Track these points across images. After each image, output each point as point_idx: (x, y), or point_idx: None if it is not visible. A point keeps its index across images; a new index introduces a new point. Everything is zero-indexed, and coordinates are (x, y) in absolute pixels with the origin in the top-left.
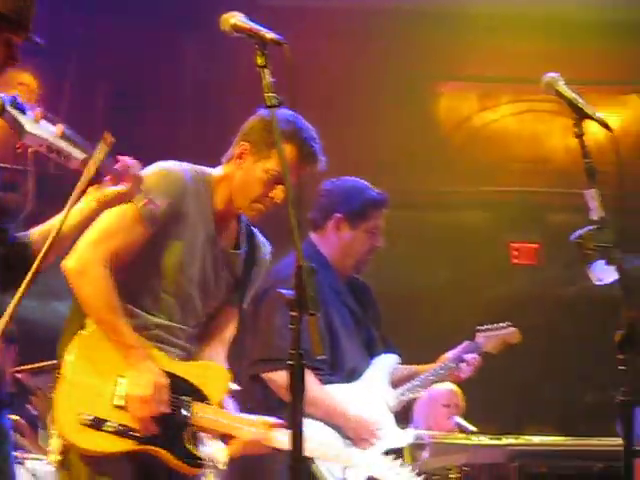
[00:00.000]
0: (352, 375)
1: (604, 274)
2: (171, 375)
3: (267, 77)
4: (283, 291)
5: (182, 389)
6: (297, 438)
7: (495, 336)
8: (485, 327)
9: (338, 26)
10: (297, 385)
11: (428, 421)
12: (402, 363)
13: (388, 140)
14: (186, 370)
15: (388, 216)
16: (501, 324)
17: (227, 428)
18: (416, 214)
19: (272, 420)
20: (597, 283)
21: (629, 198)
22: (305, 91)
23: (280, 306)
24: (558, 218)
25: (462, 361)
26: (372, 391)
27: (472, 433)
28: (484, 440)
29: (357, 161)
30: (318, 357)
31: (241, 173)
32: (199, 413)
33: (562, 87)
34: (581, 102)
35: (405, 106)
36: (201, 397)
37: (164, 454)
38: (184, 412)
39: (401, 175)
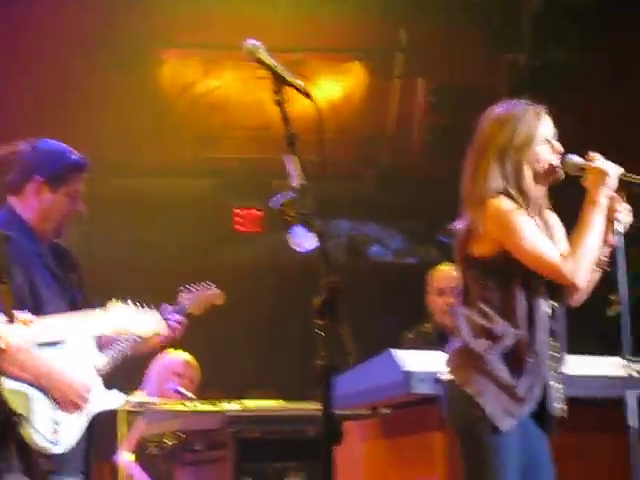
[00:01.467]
0: None
1: (304, 240)
2: None
3: None
4: None
5: None
6: None
7: (198, 297)
8: (188, 288)
9: None
10: None
11: (160, 388)
12: None
13: (111, 107)
14: None
15: (111, 184)
16: (205, 285)
17: None
18: (140, 181)
19: None
20: (297, 250)
21: (348, 164)
22: (19, 54)
23: None
24: (282, 185)
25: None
26: (79, 353)
27: (190, 400)
28: (199, 406)
29: (77, 128)
30: None
31: None
32: None
33: (263, 54)
34: (281, 69)
35: (129, 73)
36: None
37: None
38: None
39: (124, 143)
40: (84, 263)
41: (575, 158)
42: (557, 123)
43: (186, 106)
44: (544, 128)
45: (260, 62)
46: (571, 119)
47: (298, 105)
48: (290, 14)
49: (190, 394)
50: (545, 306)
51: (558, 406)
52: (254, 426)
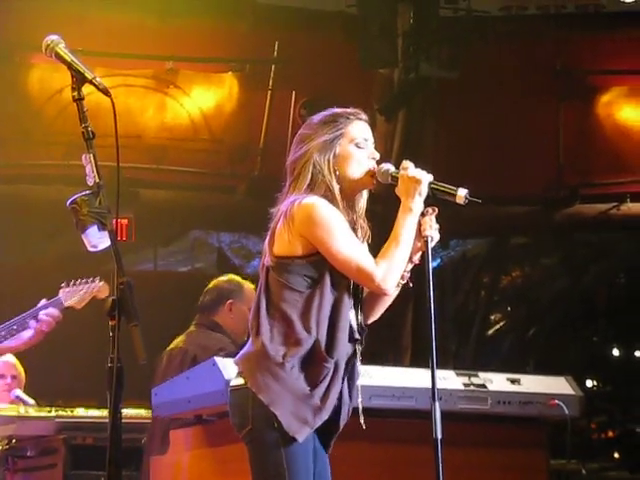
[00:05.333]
0: None
1: (98, 240)
2: None
3: None
4: None
5: None
6: None
7: (79, 290)
8: (69, 282)
9: None
10: None
11: None
12: None
13: None
14: None
15: None
16: (88, 279)
17: None
18: (7, 187)
19: None
20: (91, 249)
21: (221, 176)
22: None
23: None
24: (150, 194)
25: (36, 317)
26: None
27: (29, 405)
28: (31, 412)
29: None
30: None
31: None
32: None
33: (61, 49)
34: (80, 65)
35: None
36: None
37: None
38: None
39: None
40: None
41: (387, 166)
42: (432, 137)
43: (55, 112)
44: (354, 130)
45: (58, 57)
46: (446, 134)
47: (171, 114)
48: (163, 23)
49: (31, 400)
50: (348, 311)
51: (343, 419)
52: (86, 433)
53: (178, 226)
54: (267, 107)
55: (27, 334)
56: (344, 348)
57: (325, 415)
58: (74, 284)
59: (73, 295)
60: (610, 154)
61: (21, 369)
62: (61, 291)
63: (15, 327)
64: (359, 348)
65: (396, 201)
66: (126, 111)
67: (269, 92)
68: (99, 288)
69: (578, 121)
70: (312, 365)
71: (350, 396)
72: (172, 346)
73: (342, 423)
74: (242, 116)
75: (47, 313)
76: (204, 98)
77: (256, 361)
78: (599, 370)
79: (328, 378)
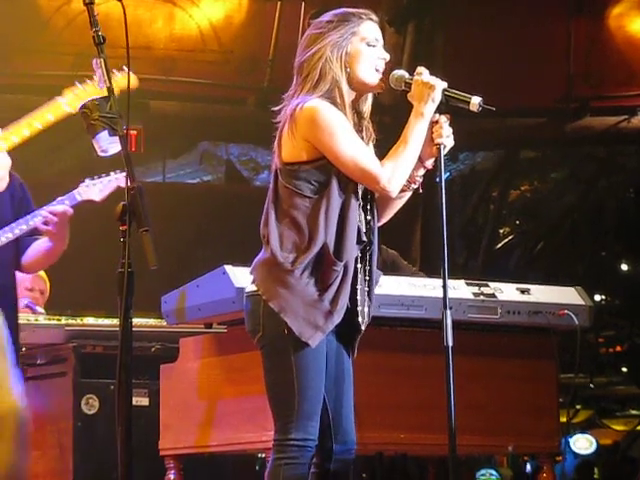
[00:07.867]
0: None
1: (108, 145)
2: None
3: None
4: None
5: None
6: None
7: (99, 182)
8: (92, 178)
9: None
10: None
11: None
12: None
13: None
14: None
15: None
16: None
17: None
18: (12, 97)
19: None
20: (101, 154)
21: (230, 87)
22: None
23: None
24: (159, 105)
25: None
26: None
27: (39, 314)
28: (41, 320)
29: None
30: None
31: None
32: None
33: None
34: None
35: None
36: None
37: None
38: None
39: (4, 59)
40: None
41: (401, 72)
42: (441, 49)
43: (64, 23)
44: (366, 29)
45: None
46: (455, 47)
47: (180, 25)
48: None
49: (40, 309)
50: (356, 214)
51: (362, 320)
52: (96, 341)
53: (187, 138)
54: (277, 18)
55: (43, 245)
56: (352, 251)
57: (337, 319)
58: (95, 178)
59: (92, 187)
60: (621, 66)
61: (48, 286)
62: (80, 185)
63: (22, 227)
64: (370, 250)
65: (405, 112)
66: (135, 22)
67: (279, 3)
68: (119, 178)
69: (589, 33)
70: (321, 270)
71: (370, 297)
72: None
73: (364, 325)
74: (251, 27)
75: (50, 210)
76: (213, 9)
77: (267, 269)
78: (607, 285)
79: (337, 282)
